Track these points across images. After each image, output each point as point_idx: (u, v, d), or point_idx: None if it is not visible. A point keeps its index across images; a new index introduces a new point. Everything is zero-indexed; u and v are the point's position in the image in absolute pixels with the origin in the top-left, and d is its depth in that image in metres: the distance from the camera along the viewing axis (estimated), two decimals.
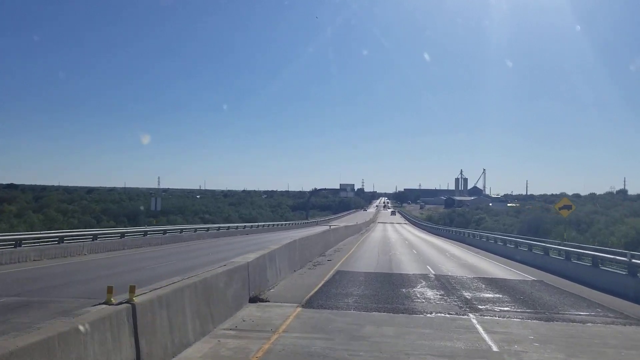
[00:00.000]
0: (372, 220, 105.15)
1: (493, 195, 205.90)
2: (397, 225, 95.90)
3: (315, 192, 74.30)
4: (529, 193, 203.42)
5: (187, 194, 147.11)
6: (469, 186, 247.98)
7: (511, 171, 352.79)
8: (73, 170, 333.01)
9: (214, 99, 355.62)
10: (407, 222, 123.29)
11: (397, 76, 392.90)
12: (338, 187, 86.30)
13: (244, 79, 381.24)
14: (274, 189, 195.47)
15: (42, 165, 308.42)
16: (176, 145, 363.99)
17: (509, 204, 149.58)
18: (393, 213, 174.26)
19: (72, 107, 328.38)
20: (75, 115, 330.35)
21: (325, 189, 77.28)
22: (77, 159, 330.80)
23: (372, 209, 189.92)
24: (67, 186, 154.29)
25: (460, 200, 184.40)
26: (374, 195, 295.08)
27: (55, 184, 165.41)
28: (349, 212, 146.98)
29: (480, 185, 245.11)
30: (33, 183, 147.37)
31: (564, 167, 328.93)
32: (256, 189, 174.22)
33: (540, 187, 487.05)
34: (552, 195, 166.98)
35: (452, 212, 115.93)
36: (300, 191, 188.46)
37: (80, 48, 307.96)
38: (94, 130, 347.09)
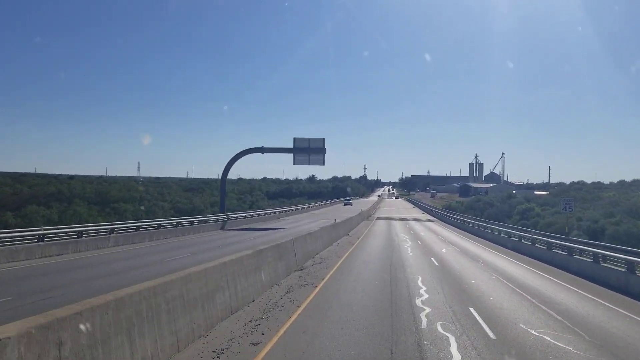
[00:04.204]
0: (369, 215, 63.72)
1: (516, 182, 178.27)
2: (416, 226, 50.37)
3: (242, 155, 45.87)
4: (545, 181, 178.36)
5: (172, 182, 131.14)
6: (485, 172, 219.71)
7: (525, 159, 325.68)
8: (62, 158, 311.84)
9: (211, 89, 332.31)
10: (430, 216, 75.67)
11: (401, 65, 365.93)
12: (292, 145, 42.51)
13: (247, 65, 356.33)
14: (273, 177, 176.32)
15: (40, 155, 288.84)
16: (164, 134, 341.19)
17: (536, 192, 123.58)
18: (397, 197, 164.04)
19: (59, 96, 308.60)
20: (63, 105, 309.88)
21: (270, 148, 42.76)
22: (78, 147, 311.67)
23: (373, 197, 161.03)
24: (46, 173, 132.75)
25: (477, 188, 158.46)
26: (378, 183, 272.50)
27: (33, 171, 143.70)
28: (307, 204, 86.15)
29: (497, 171, 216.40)
30: (25, 171, 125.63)
31: (577, 156, 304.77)
32: (254, 177, 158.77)
33: (556, 175, 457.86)
34: (572, 183, 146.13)
35: (476, 201, 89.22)
36: (297, 179, 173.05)
37: (67, 39, 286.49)
38: (83, 119, 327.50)
